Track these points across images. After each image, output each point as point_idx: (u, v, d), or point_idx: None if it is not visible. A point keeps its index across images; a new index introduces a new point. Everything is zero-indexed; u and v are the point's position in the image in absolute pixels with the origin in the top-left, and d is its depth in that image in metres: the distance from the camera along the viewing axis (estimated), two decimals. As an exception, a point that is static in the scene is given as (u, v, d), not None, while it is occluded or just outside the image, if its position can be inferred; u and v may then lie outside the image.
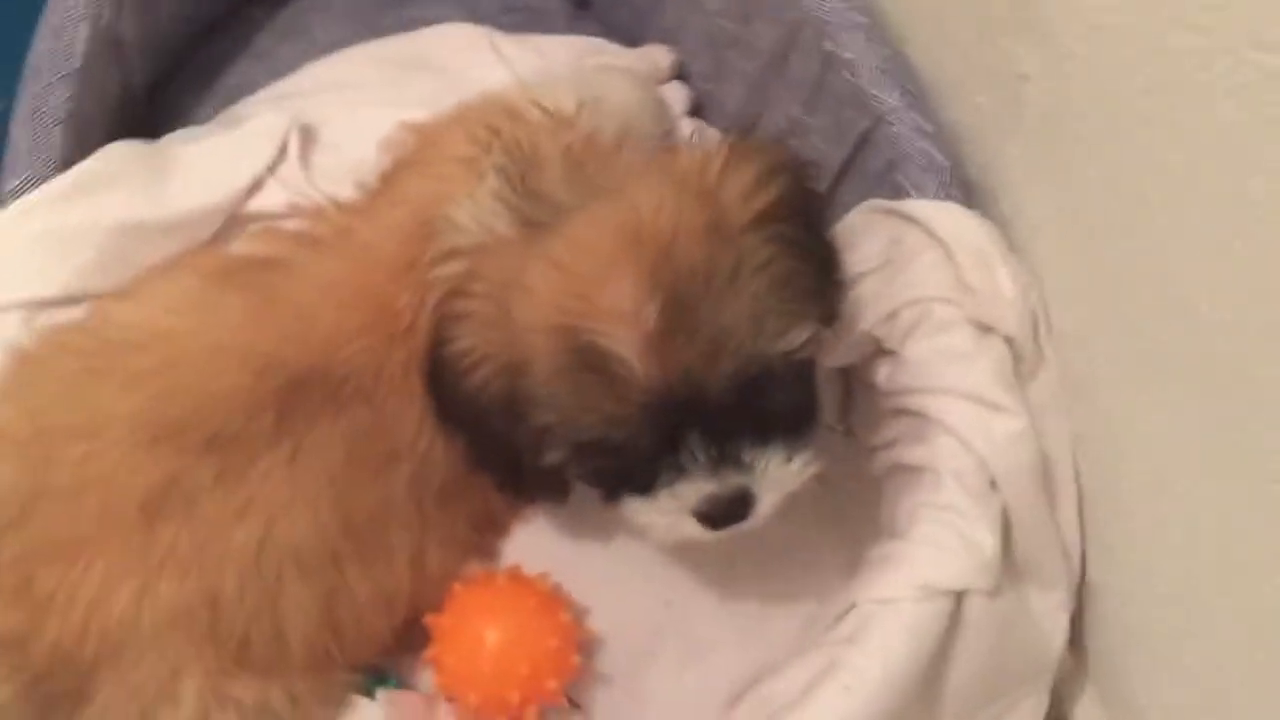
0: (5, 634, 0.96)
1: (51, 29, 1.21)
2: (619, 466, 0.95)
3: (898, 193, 1.16)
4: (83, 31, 1.22)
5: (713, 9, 1.39)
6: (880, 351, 1.14)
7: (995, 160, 1.16)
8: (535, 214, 0.97)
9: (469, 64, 1.35)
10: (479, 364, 0.95)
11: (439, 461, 1.02)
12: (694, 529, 0.96)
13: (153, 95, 1.41)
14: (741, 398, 0.91)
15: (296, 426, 0.98)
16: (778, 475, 0.95)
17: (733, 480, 0.94)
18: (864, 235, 1.16)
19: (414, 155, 1.11)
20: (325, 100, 1.33)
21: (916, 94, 1.20)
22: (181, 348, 1.00)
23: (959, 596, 1.00)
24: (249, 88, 1.40)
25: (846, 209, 1.19)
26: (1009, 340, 1.06)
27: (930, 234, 1.11)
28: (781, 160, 0.99)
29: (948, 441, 1.04)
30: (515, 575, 1.10)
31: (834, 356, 1.15)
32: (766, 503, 0.95)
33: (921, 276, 1.10)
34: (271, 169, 1.23)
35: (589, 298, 0.90)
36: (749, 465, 0.94)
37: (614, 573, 1.14)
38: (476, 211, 0.99)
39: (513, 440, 0.96)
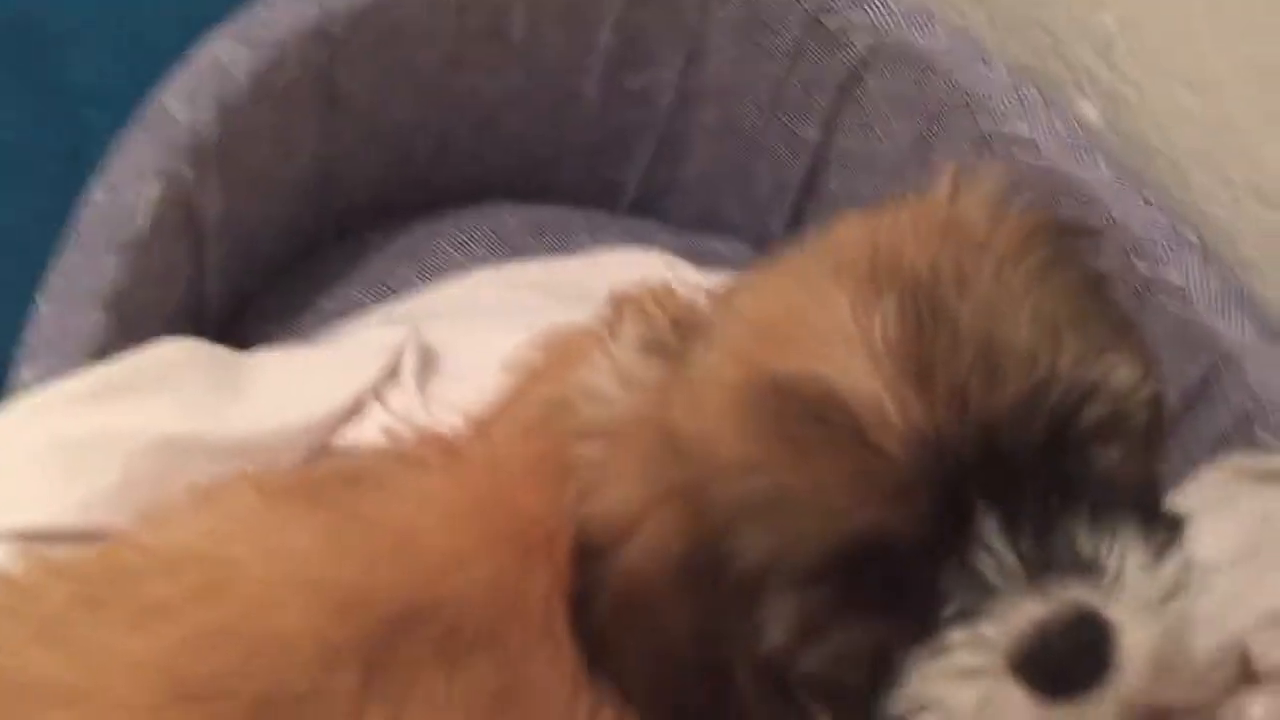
0: None
1: (109, 184, 0.95)
2: (884, 607, 0.58)
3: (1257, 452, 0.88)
4: (151, 191, 0.96)
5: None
6: (1248, 676, 0.80)
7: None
8: (684, 340, 0.68)
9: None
10: (643, 515, 0.63)
11: None
12: (1021, 704, 0.57)
13: (234, 306, 1.14)
14: (1056, 451, 0.57)
15: (392, 688, 0.66)
16: (1144, 585, 0.57)
17: (1068, 592, 0.55)
18: (1217, 509, 0.85)
19: (543, 364, 0.84)
20: (450, 325, 1.06)
21: (1274, 328, 0.92)
22: (224, 575, 0.68)
23: None
24: (354, 312, 1.14)
25: (1179, 476, 0.89)
26: None
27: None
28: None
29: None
30: None
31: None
32: (1136, 638, 0.56)
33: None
34: (378, 393, 0.95)
35: (787, 328, 0.62)
36: (1090, 566, 0.56)
37: None
38: (618, 367, 0.71)
39: (714, 647, 0.62)
